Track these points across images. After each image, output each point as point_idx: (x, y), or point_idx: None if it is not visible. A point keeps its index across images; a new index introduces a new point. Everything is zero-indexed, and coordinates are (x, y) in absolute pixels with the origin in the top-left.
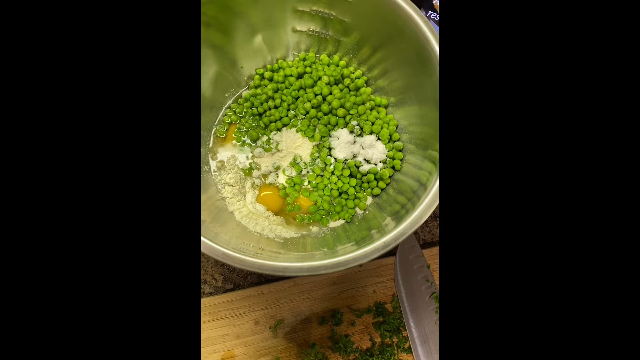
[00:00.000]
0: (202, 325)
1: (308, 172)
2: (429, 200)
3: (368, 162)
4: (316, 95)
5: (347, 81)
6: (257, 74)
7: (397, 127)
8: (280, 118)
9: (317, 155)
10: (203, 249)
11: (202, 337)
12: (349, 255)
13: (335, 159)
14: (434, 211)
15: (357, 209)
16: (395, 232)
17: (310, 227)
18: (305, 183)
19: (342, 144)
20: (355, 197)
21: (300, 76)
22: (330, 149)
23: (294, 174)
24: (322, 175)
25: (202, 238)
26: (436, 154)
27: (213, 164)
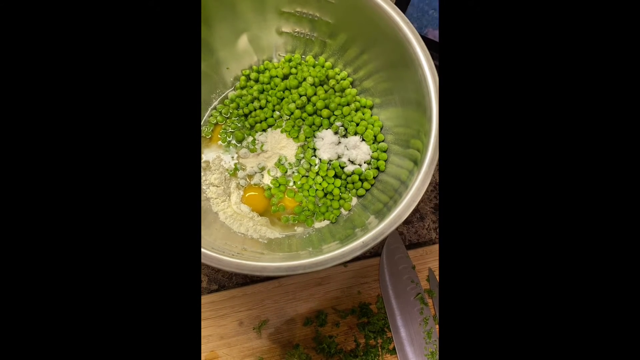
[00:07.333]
0: None
1: (293, 172)
2: (409, 199)
3: (352, 162)
4: (301, 96)
5: (332, 82)
6: (243, 75)
7: (382, 128)
8: (266, 119)
9: (302, 155)
10: None
11: None
12: (328, 254)
13: (320, 159)
14: (419, 212)
15: (342, 209)
16: (374, 232)
17: (295, 228)
18: (291, 184)
19: (327, 144)
20: (340, 198)
21: (285, 77)
22: (315, 149)
23: (279, 174)
24: (307, 176)
25: None
26: (417, 154)
27: None
